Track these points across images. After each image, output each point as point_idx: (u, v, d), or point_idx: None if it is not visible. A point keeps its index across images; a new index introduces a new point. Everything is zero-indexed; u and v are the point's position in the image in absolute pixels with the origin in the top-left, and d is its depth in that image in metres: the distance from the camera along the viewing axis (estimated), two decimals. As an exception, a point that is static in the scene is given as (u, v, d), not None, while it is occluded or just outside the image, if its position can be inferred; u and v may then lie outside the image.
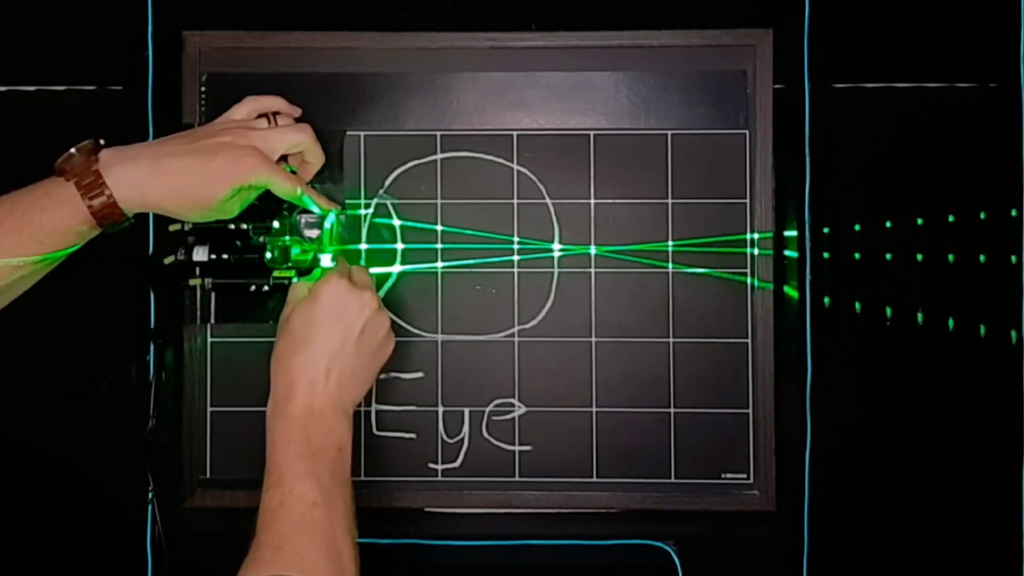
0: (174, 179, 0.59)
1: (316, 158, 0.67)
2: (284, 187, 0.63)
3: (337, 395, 0.59)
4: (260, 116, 0.66)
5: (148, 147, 0.61)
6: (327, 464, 0.56)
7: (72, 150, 0.58)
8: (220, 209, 0.61)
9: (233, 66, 0.74)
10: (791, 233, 0.74)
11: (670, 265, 0.73)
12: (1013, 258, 0.73)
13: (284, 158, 0.66)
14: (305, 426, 0.57)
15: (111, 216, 0.58)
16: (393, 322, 0.73)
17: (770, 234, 0.73)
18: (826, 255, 0.74)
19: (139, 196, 0.58)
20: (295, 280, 0.68)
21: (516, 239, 0.74)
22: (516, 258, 0.74)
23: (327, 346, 0.59)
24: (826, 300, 0.74)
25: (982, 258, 0.73)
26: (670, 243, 0.73)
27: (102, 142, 0.59)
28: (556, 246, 0.74)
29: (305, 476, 0.55)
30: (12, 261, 0.56)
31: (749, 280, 0.73)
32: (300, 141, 0.65)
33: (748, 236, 0.73)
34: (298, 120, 0.69)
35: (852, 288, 0.74)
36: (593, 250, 0.73)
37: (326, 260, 0.68)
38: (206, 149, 0.60)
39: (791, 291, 0.74)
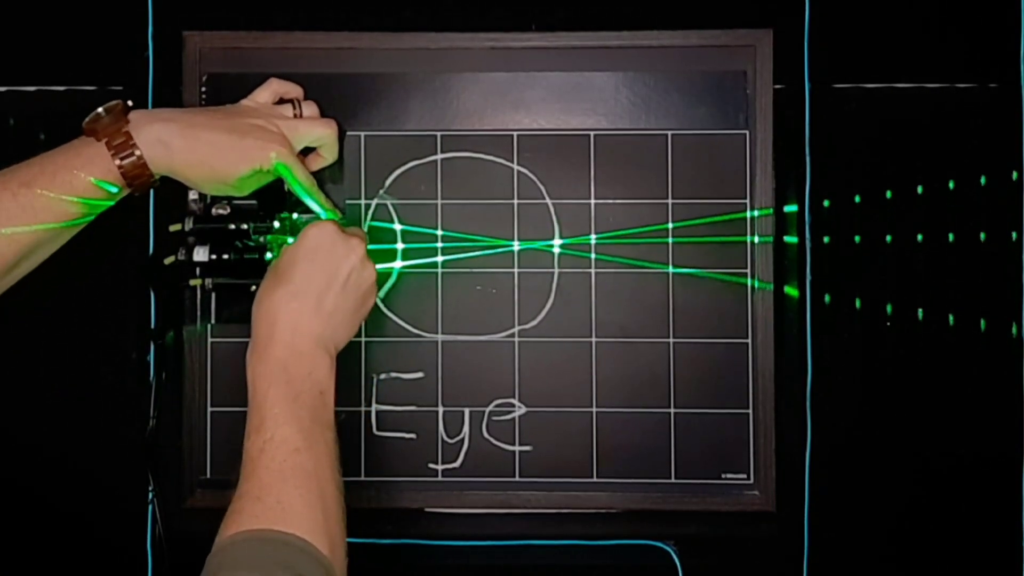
0: (203, 148, 0.60)
1: (332, 154, 0.69)
2: (300, 180, 0.64)
3: (320, 333, 0.57)
4: (284, 102, 0.68)
5: (180, 112, 0.63)
6: (308, 408, 0.54)
7: (100, 109, 0.58)
8: (235, 186, 0.62)
9: (233, 66, 0.74)
10: (791, 208, 0.74)
11: (670, 268, 0.73)
12: (1013, 264, 0.73)
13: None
14: (286, 368, 0.55)
15: (140, 176, 0.58)
16: (393, 322, 0.73)
17: (770, 211, 0.72)
18: (826, 239, 0.74)
19: (167, 157, 0.59)
20: None
21: (516, 244, 0.74)
22: (516, 250, 0.74)
23: (311, 281, 0.58)
24: (826, 298, 0.74)
25: (983, 283, 0.73)
26: (670, 224, 0.73)
27: (130, 103, 0.60)
28: (556, 242, 0.74)
29: (286, 421, 0.53)
30: (19, 230, 0.56)
31: (749, 282, 0.73)
32: (325, 135, 0.67)
33: (748, 215, 0.73)
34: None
35: (852, 286, 0.74)
36: (593, 239, 0.73)
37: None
38: (238, 128, 0.61)
39: (791, 290, 0.74)
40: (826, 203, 0.74)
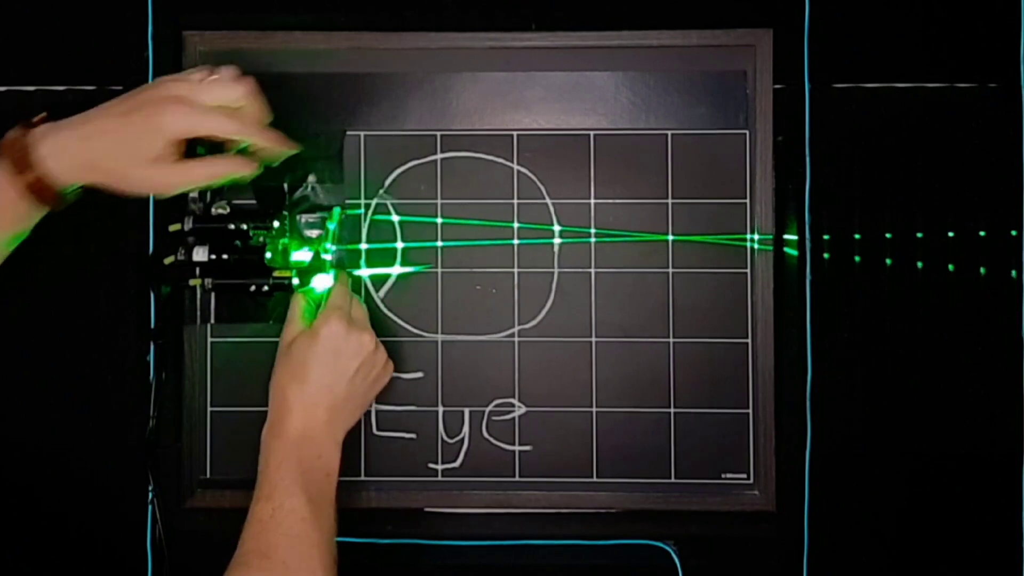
0: (100, 141, 0.55)
1: (256, 111, 0.60)
2: (221, 130, 0.57)
3: (328, 425, 0.62)
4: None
5: (80, 114, 0.57)
6: (316, 484, 0.59)
7: (17, 126, 0.56)
8: (164, 176, 0.56)
9: (233, 66, 0.74)
10: (792, 238, 0.74)
11: (670, 267, 0.73)
12: (1013, 272, 0.73)
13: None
14: (298, 448, 0.60)
15: (47, 191, 0.55)
16: (393, 322, 0.73)
17: (770, 236, 0.73)
18: (826, 255, 0.74)
19: (70, 166, 0.55)
20: (296, 290, 0.68)
21: (516, 225, 0.74)
22: (516, 249, 0.74)
23: (322, 381, 0.62)
24: (827, 271, 0.74)
25: (983, 270, 0.73)
26: (670, 237, 0.73)
27: (44, 115, 0.57)
28: (556, 242, 0.74)
29: (296, 493, 0.58)
30: None
31: (749, 244, 0.73)
32: (237, 96, 0.58)
33: (748, 237, 0.73)
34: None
35: (852, 289, 0.74)
36: (593, 240, 0.73)
37: (322, 281, 0.69)
38: (130, 106, 0.56)
39: (791, 249, 0.73)
40: (826, 237, 0.74)
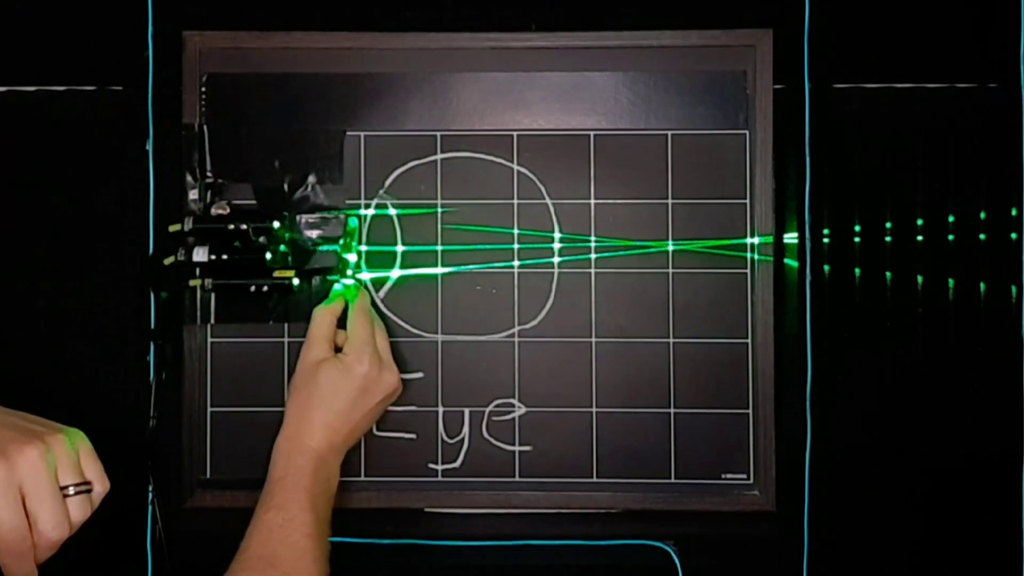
0: None
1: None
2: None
3: (342, 449, 0.66)
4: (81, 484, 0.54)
5: None
6: (323, 504, 0.62)
7: None
8: None
9: (233, 66, 0.74)
10: (792, 238, 0.74)
11: (670, 267, 0.73)
12: (1013, 288, 0.73)
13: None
14: (315, 470, 0.63)
15: None
16: (393, 322, 0.73)
17: (770, 240, 0.73)
18: (827, 268, 0.74)
19: None
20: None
21: (516, 231, 0.74)
22: (516, 254, 0.74)
23: (346, 412, 0.65)
24: (827, 271, 0.74)
25: (982, 270, 0.73)
26: (670, 245, 0.73)
27: None
28: (556, 245, 0.73)
29: (307, 508, 0.60)
30: None
31: (749, 255, 0.73)
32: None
33: (748, 241, 0.73)
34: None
35: (852, 288, 0.74)
36: (593, 242, 0.73)
37: (339, 287, 0.70)
38: None
39: (791, 261, 0.73)
40: (826, 231, 0.74)
